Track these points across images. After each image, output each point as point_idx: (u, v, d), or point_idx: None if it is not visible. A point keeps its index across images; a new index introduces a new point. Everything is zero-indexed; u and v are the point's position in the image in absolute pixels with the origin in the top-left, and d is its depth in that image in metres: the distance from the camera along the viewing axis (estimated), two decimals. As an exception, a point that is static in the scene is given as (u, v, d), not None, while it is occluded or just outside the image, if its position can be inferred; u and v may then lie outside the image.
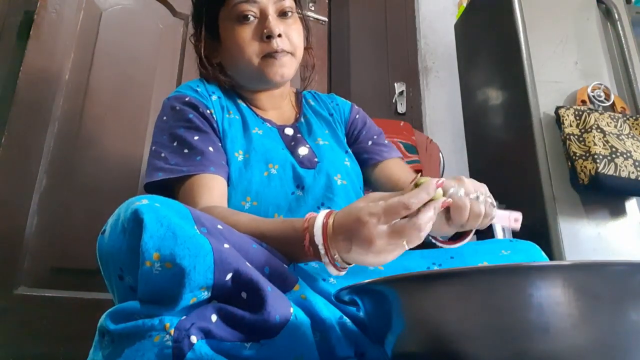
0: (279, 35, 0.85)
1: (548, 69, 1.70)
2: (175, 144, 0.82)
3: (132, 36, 1.69)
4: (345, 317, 0.62)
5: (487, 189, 0.67)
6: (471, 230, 0.70)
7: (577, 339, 0.40)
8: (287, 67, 0.88)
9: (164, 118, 0.86)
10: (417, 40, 2.37)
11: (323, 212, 0.60)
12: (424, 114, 2.23)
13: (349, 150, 0.97)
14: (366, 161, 0.98)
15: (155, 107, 1.60)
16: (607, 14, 1.83)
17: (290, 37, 0.88)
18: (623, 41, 1.76)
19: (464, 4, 2.22)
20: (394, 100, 2.21)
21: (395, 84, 2.23)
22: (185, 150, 0.80)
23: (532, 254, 0.77)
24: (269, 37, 0.85)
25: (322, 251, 0.57)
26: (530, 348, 0.40)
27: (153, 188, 0.81)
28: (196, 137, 0.82)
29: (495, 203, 0.66)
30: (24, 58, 1.50)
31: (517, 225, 0.66)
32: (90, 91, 1.57)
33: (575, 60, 1.73)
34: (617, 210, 1.56)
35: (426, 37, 2.39)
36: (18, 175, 1.42)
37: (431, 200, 0.56)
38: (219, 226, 0.55)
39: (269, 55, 0.86)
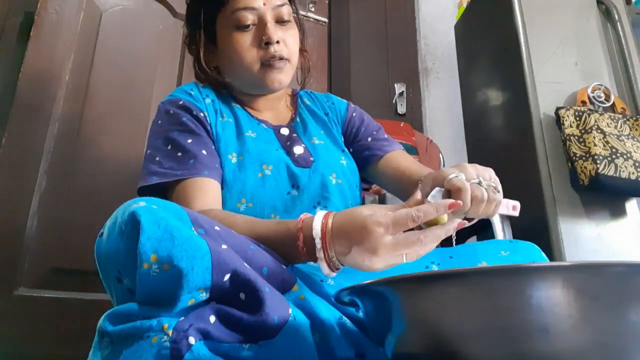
0: (277, 42, 0.86)
1: (548, 69, 1.70)
2: (169, 147, 0.82)
3: (132, 37, 1.69)
4: (344, 318, 0.62)
5: (492, 172, 0.67)
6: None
7: (577, 339, 0.40)
8: (285, 74, 0.89)
9: (159, 122, 0.87)
10: (417, 41, 2.37)
11: (321, 213, 0.60)
12: (424, 114, 2.23)
13: (346, 149, 0.97)
14: (369, 158, 0.97)
15: (156, 108, 1.59)
16: (607, 14, 1.83)
17: (288, 43, 0.89)
18: (623, 41, 1.76)
19: (464, 5, 2.22)
20: (394, 101, 2.21)
21: (395, 85, 2.23)
22: (179, 154, 0.80)
23: (531, 254, 0.77)
24: (268, 43, 0.86)
25: (319, 246, 0.57)
26: (530, 349, 0.40)
27: (146, 192, 0.80)
28: (189, 140, 0.82)
29: (499, 188, 0.66)
30: (24, 58, 1.50)
31: (516, 213, 0.66)
32: (90, 92, 1.57)
33: (575, 60, 1.73)
34: (617, 211, 1.56)
35: (426, 37, 2.39)
36: (18, 175, 1.42)
37: (441, 223, 0.57)
38: (217, 227, 0.55)
39: (268, 62, 0.86)
